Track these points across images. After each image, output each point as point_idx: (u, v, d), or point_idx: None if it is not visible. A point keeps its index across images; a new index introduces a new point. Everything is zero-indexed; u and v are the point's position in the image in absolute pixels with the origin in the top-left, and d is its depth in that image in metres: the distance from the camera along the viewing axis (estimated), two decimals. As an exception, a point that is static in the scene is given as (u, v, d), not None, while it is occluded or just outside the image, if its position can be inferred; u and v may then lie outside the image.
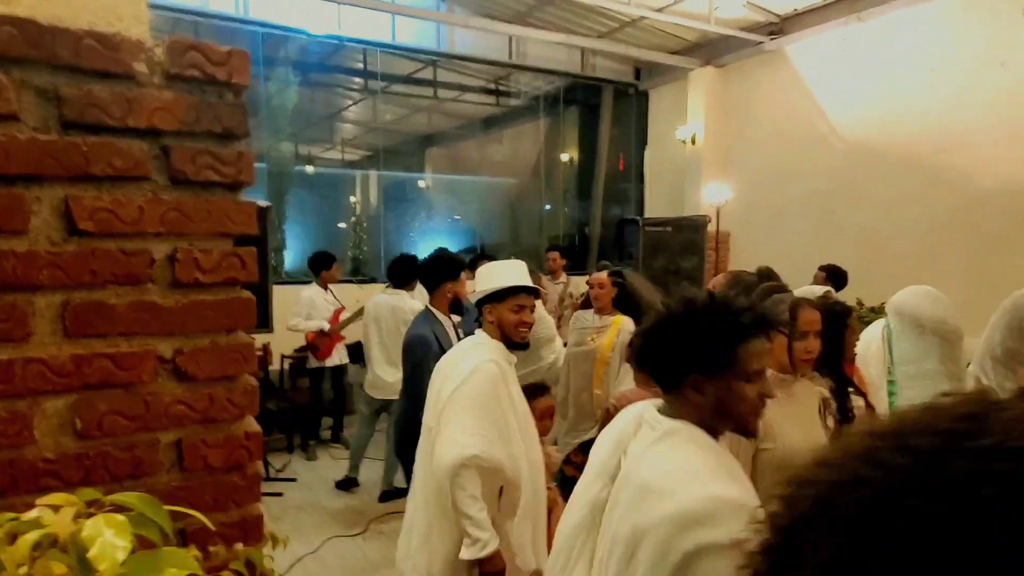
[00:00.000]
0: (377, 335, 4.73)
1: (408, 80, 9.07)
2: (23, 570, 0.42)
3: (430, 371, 2.37)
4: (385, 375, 4.59)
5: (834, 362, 2.41)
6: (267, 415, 5.67)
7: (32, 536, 0.42)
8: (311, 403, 5.88)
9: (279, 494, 4.85)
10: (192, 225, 0.99)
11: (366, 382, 4.87)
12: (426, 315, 3.23)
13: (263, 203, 4.40)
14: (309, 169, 10.94)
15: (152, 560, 0.45)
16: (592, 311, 3.49)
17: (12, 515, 0.46)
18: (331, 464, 5.50)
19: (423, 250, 9.10)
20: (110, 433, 0.96)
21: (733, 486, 1.15)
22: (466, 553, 2.01)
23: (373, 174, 11.45)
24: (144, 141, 0.96)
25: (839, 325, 2.43)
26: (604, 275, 3.47)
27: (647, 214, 8.31)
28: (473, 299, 2.39)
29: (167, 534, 0.48)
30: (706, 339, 1.25)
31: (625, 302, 3.40)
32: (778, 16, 6.85)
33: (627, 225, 6.27)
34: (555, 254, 5.92)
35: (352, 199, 11.71)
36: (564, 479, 3.08)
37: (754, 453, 1.91)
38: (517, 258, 2.67)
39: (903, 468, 0.38)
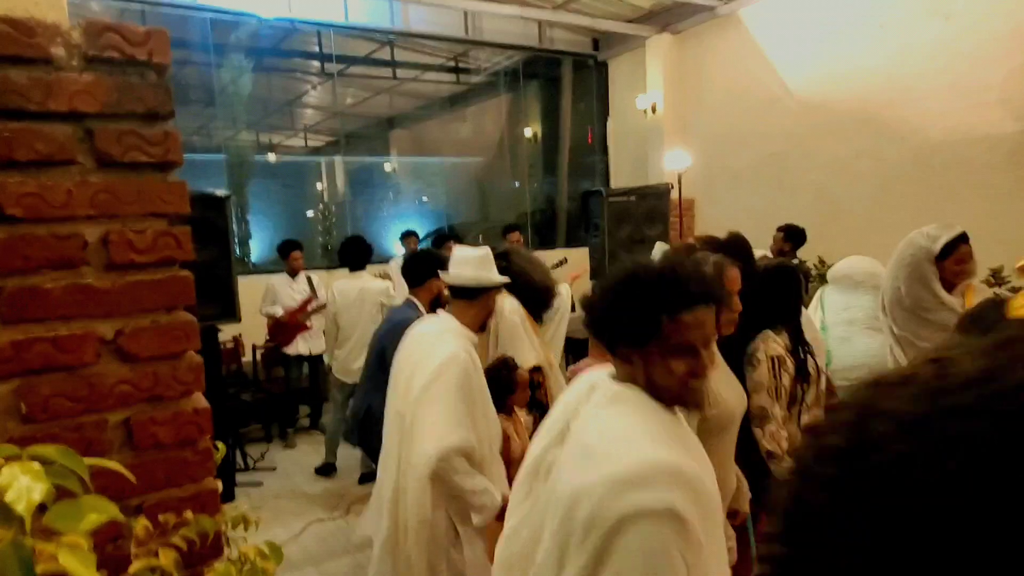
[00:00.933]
0: (347, 319, 4.74)
1: (365, 61, 8.95)
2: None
3: None
4: (357, 359, 4.61)
5: (790, 318, 2.41)
6: (243, 406, 5.66)
7: (-49, 491, 0.45)
8: (285, 392, 5.88)
9: (259, 483, 4.87)
10: (123, 207, 1.00)
11: (335, 367, 4.88)
12: (410, 305, 3.25)
13: (221, 192, 4.35)
14: (271, 157, 10.78)
15: (75, 507, 0.48)
16: None
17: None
18: (310, 451, 5.52)
19: (392, 233, 9.06)
20: (56, 415, 0.98)
21: (673, 451, 1.15)
22: (479, 520, 2.11)
23: (338, 159, 11.31)
24: (67, 124, 0.96)
25: (791, 280, 2.44)
26: None
27: (612, 184, 8.36)
28: (464, 283, 2.32)
29: (87, 484, 0.51)
30: (630, 309, 1.24)
31: (515, 283, 3.30)
32: (730, -20, 6.89)
33: (591, 197, 6.31)
34: (515, 234, 5.93)
35: (318, 186, 11.58)
36: None
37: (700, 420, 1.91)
38: (487, 236, 2.74)
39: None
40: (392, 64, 9.07)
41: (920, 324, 2.65)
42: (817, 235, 5.35)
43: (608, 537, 1.07)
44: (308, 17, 6.94)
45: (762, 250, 4.39)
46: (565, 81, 9.03)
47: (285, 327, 5.55)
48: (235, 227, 6.92)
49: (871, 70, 5.90)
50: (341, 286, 4.78)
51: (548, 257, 5.92)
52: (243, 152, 8.36)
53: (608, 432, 1.19)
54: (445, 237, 5.66)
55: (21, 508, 0.43)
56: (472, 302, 2.30)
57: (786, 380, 2.32)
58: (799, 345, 2.39)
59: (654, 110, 7.73)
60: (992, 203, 5.10)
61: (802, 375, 2.37)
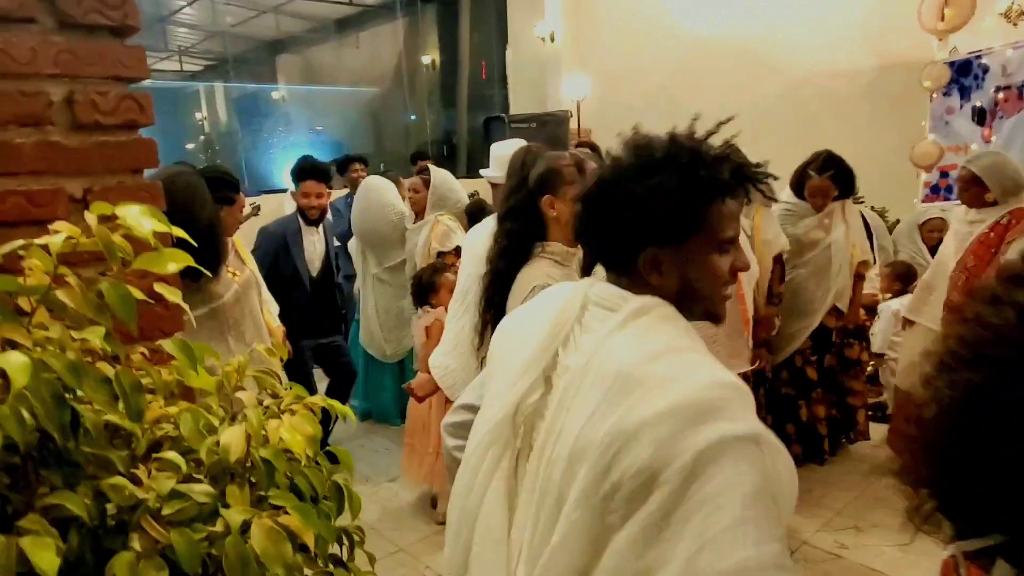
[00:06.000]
0: None
1: (248, -24, 8.38)
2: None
3: None
4: None
5: None
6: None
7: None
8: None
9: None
10: (86, 68, 1.04)
11: None
12: None
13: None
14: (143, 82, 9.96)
15: (159, 256, 0.59)
16: None
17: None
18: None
19: (282, 164, 8.75)
20: (32, 268, 1.03)
21: (728, 372, 0.90)
22: None
23: (219, 86, 10.62)
24: (25, -18, 0.99)
25: None
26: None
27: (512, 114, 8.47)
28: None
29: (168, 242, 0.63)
30: (667, 199, 0.94)
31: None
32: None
33: (492, 123, 6.41)
34: (424, 163, 5.94)
35: (198, 115, 10.85)
36: None
37: None
38: (386, 167, 2.77)
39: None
40: (278, -19, 8.56)
41: None
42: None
43: (686, 481, 0.80)
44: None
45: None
46: (463, 7, 8.90)
47: None
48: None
49: (747, 5, 6.28)
50: None
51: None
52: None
53: (649, 351, 0.89)
54: (351, 159, 5.57)
55: (143, 233, 0.54)
56: None
57: None
58: None
59: (552, 39, 7.83)
60: (852, 132, 5.70)
61: None
